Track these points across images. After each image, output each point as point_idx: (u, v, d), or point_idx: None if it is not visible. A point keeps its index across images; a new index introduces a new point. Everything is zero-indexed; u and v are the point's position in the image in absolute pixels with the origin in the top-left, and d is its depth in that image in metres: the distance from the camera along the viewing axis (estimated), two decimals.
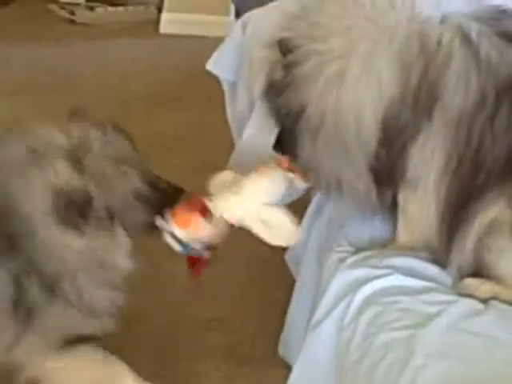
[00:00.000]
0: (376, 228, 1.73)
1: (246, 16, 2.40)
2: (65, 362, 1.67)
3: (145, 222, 1.69)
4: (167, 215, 1.65)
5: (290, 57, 1.57)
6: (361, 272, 1.57)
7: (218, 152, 2.47)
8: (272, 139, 1.72)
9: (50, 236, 1.56)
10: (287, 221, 1.63)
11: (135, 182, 1.65)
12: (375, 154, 1.55)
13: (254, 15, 2.36)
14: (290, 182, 1.70)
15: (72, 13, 4.73)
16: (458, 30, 1.51)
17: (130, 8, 4.86)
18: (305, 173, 1.67)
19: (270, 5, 2.33)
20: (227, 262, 2.25)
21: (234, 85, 2.40)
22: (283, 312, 2.01)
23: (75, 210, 1.55)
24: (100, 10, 4.80)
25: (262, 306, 2.31)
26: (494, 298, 1.52)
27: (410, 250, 1.63)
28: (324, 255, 1.72)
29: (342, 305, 1.54)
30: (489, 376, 1.32)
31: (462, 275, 1.56)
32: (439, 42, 1.50)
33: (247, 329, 2.26)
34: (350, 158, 1.57)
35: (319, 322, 1.56)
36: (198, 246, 1.66)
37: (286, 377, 1.63)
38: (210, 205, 1.64)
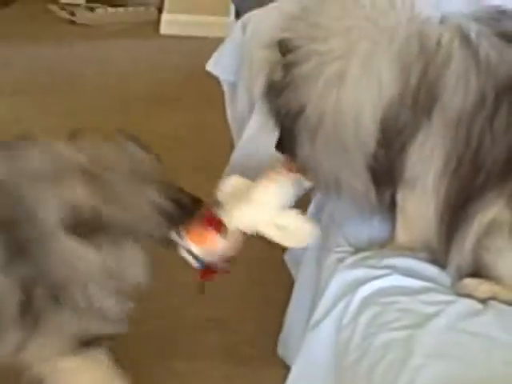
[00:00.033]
0: (375, 228, 1.73)
1: (245, 17, 2.40)
2: (74, 364, 1.67)
3: (163, 237, 1.67)
4: (182, 231, 1.65)
5: (290, 57, 1.57)
6: (360, 272, 1.57)
7: (217, 152, 2.47)
8: (274, 139, 1.72)
9: (63, 246, 1.55)
10: (302, 221, 1.64)
11: (155, 197, 1.62)
12: (374, 154, 1.55)
13: (254, 16, 2.37)
14: (298, 184, 1.70)
15: (72, 13, 4.73)
16: (457, 31, 1.51)
17: (131, 9, 4.86)
18: (304, 173, 1.67)
19: (270, 5, 2.33)
20: None
21: (233, 85, 2.41)
22: (282, 312, 2.01)
23: (85, 226, 1.54)
24: (100, 10, 4.80)
25: (261, 306, 2.31)
26: (493, 298, 1.52)
27: (409, 251, 1.63)
28: (323, 255, 1.72)
29: (341, 305, 1.54)
30: (487, 376, 1.32)
31: (461, 275, 1.56)
32: (439, 43, 1.50)
33: (246, 329, 2.26)
34: (349, 158, 1.57)
35: (318, 322, 1.56)
36: (214, 260, 1.67)
37: (285, 377, 1.63)
38: (223, 218, 1.64)
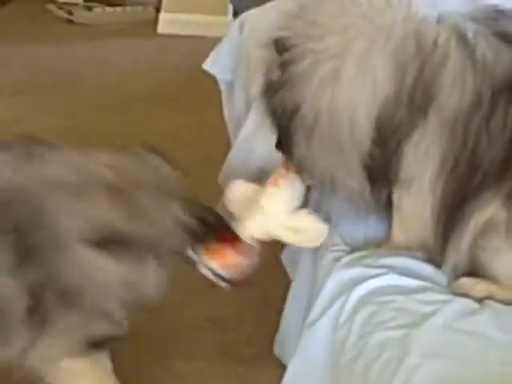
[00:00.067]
0: (371, 227, 1.73)
1: (243, 16, 2.39)
2: (78, 365, 1.68)
3: (186, 254, 1.67)
4: (201, 249, 1.65)
5: (286, 56, 1.57)
6: (356, 271, 1.57)
7: (217, 152, 2.47)
8: (271, 139, 1.72)
9: (82, 256, 1.54)
10: (313, 221, 1.65)
11: (179, 214, 1.61)
12: (369, 153, 1.54)
13: (252, 15, 2.36)
14: (303, 183, 1.71)
15: (70, 13, 4.72)
16: (454, 30, 1.51)
17: (128, 8, 4.85)
18: (300, 172, 1.67)
19: (268, 4, 2.33)
20: None
21: (231, 84, 2.40)
22: (279, 311, 2.01)
23: (107, 240, 1.54)
24: (98, 10, 4.79)
25: (258, 305, 2.31)
26: (489, 297, 1.52)
27: (406, 250, 1.63)
28: (319, 254, 1.72)
29: (337, 304, 1.54)
30: (484, 376, 1.32)
31: (458, 275, 1.56)
32: (435, 42, 1.50)
33: (245, 328, 2.26)
34: (345, 157, 1.57)
35: (314, 322, 1.56)
36: (235, 275, 1.67)
37: (281, 376, 1.63)
38: (237, 229, 1.65)
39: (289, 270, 2.09)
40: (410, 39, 1.50)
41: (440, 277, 1.57)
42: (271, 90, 1.63)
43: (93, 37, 4.47)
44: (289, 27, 1.61)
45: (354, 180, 1.59)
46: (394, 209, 1.64)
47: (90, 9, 4.80)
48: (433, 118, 1.49)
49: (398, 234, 1.66)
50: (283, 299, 1.99)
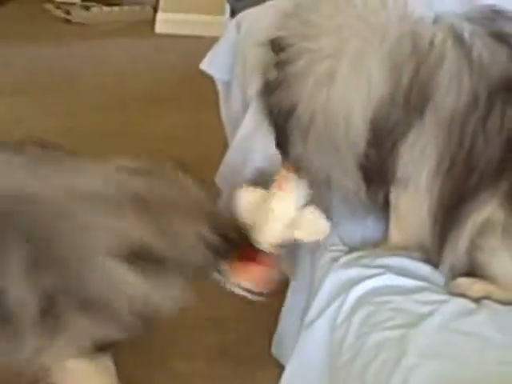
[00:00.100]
0: (369, 228, 1.73)
1: (240, 15, 2.39)
2: (82, 366, 1.68)
3: (209, 270, 1.67)
4: (227, 269, 1.65)
5: (283, 55, 1.57)
6: (353, 272, 1.57)
7: (214, 152, 2.47)
8: (269, 138, 1.72)
9: (111, 269, 1.54)
10: (318, 217, 1.66)
11: (205, 232, 1.61)
12: (364, 154, 1.54)
13: (249, 15, 2.36)
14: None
15: (67, 12, 4.72)
16: (450, 31, 1.51)
17: (126, 8, 4.85)
18: (297, 171, 1.67)
19: (265, 4, 2.33)
20: None
21: (228, 84, 2.40)
22: (277, 311, 2.01)
23: (134, 255, 1.54)
24: (95, 9, 4.79)
25: (256, 306, 2.31)
26: (487, 297, 1.52)
27: (403, 250, 1.63)
28: (317, 254, 1.72)
29: (335, 304, 1.54)
30: (481, 376, 1.32)
31: (455, 275, 1.56)
32: (431, 43, 1.50)
33: (243, 328, 2.26)
34: (340, 157, 1.57)
35: (312, 322, 1.57)
36: (265, 286, 1.67)
37: (280, 376, 1.63)
38: (256, 241, 1.66)
39: (287, 269, 2.09)
40: (405, 39, 1.50)
41: (437, 277, 1.57)
42: (268, 89, 1.63)
43: (90, 36, 4.47)
44: (285, 27, 1.61)
45: (350, 180, 1.59)
46: (392, 209, 1.64)
47: (87, 8, 4.80)
48: (429, 118, 1.49)
49: (396, 235, 1.67)
50: (282, 299, 1.99)
